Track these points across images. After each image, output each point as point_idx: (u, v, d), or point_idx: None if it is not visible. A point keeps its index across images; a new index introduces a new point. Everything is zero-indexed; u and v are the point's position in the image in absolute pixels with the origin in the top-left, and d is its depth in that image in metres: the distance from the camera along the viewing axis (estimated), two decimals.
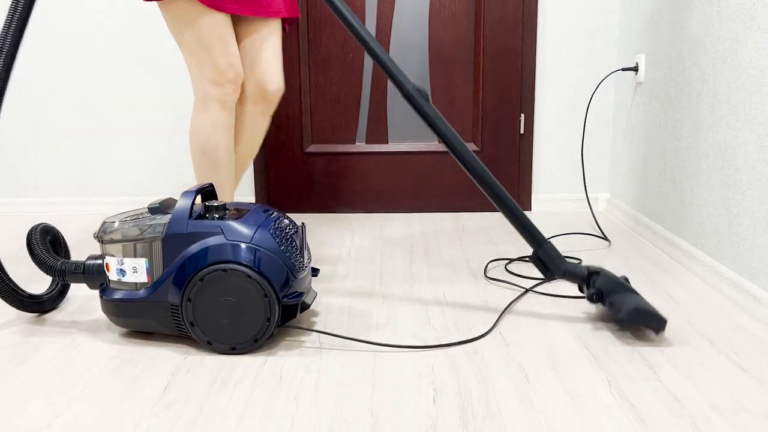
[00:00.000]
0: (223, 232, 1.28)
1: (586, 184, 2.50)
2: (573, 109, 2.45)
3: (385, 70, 1.40)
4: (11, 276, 1.63)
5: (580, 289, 1.47)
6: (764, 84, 1.43)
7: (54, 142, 2.55)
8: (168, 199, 1.40)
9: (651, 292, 1.60)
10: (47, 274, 1.41)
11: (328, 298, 1.60)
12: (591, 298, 1.40)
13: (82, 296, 1.63)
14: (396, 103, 2.51)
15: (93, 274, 1.38)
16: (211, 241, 1.28)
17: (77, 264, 1.40)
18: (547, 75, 2.44)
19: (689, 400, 1.09)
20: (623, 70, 2.23)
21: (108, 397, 1.13)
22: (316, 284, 1.70)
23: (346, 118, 2.52)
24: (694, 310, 1.49)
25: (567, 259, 1.42)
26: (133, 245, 1.30)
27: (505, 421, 1.04)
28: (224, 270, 1.25)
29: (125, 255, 1.31)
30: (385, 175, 2.53)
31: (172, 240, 1.29)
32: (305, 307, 1.34)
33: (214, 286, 1.26)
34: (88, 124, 2.53)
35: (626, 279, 1.44)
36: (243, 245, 1.27)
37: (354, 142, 2.53)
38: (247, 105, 1.71)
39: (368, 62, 2.47)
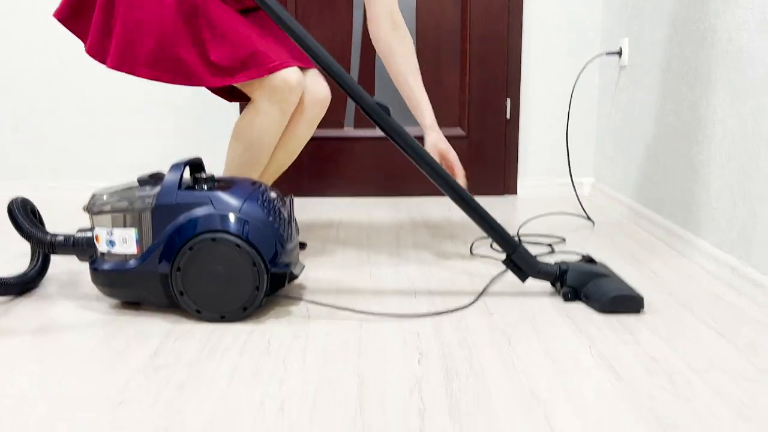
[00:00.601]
0: (211, 203, 1.30)
1: (571, 169, 2.54)
2: (558, 94, 2.48)
3: (345, 88, 1.41)
4: None
5: (553, 285, 1.48)
6: (742, 60, 1.46)
7: (42, 126, 2.56)
8: (157, 172, 1.41)
9: (635, 270, 1.63)
10: (36, 246, 1.43)
11: (316, 273, 1.62)
12: (566, 297, 1.41)
13: (67, 271, 1.64)
14: (384, 89, 2.53)
15: (82, 247, 1.39)
16: (200, 211, 1.30)
17: (67, 236, 1.41)
18: (533, 60, 2.47)
19: (666, 361, 1.13)
20: (607, 54, 2.26)
21: (96, 363, 1.15)
22: (303, 259, 1.72)
23: (334, 103, 2.52)
24: (675, 283, 1.52)
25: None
26: (122, 216, 1.32)
27: (488, 380, 1.06)
28: (213, 239, 1.27)
29: (115, 226, 1.33)
30: (373, 159, 2.55)
31: (162, 210, 1.31)
32: (293, 277, 1.37)
33: (204, 256, 1.28)
34: (79, 108, 2.54)
35: (591, 259, 1.48)
36: (231, 215, 1.29)
37: (342, 127, 2.55)
38: (297, 113, 1.69)
39: (356, 49, 2.49)
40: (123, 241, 1.33)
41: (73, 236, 1.41)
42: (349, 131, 2.54)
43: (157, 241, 1.31)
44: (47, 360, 1.16)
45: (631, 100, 2.13)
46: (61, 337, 1.26)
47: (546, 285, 1.50)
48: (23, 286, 1.49)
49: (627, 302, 1.35)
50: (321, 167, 2.56)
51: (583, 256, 1.53)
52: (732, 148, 1.51)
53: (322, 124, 2.52)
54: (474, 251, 1.80)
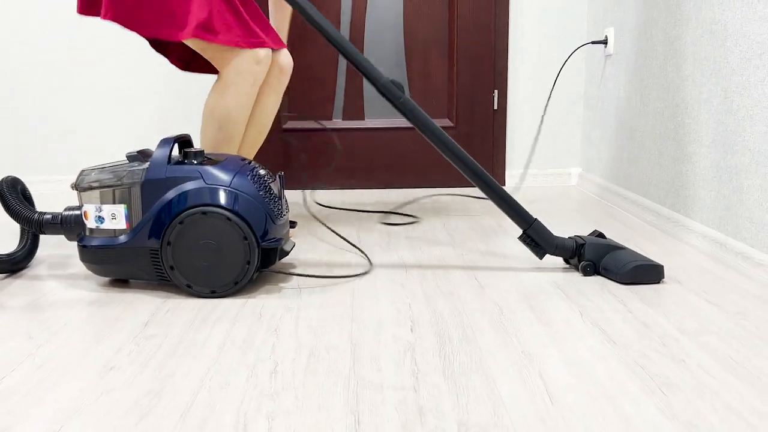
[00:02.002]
0: (201, 177, 1.30)
1: (559, 160, 2.55)
2: (545, 85, 2.50)
3: (359, 68, 1.42)
4: None
5: (568, 262, 1.48)
6: (726, 37, 1.48)
7: (33, 120, 2.53)
8: (146, 149, 1.41)
9: None
10: (23, 225, 1.41)
11: (306, 254, 1.61)
12: (585, 271, 1.40)
13: (57, 254, 1.63)
14: None
15: (71, 224, 1.38)
16: (190, 185, 1.29)
17: (54, 215, 1.40)
18: (520, 52, 2.49)
19: (658, 325, 1.13)
20: (593, 43, 2.29)
21: (88, 332, 1.14)
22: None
23: (323, 94, 2.54)
24: (663, 258, 1.53)
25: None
26: (111, 192, 1.31)
27: (481, 344, 1.06)
28: (203, 213, 1.27)
29: (103, 202, 1.32)
30: (362, 151, 2.55)
31: (151, 185, 1.30)
32: (284, 254, 1.36)
33: (194, 229, 1.27)
34: (67, 102, 2.52)
35: (601, 234, 1.48)
36: (222, 188, 1.29)
37: (331, 119, 2.55)
38: (265, 86, 1.70)
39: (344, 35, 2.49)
40: (112, 217, 1.32)
41: (61, 214, 1.40)
42: (337, 123, 2.54)
43: (147, 215, 1.30)
44: (37, 333, 1.15)
45: (617, 87, 2.15)
46: (51, 312, 1.25)
47: (537, 263, 1.51)
48: (12, 265, 1.47)
49: (648, 272, 1.35)
50: (310, 159, 2.55)
51: (594, 231, 1.51)
52: (717, 126, 1.53)
53: (317, 115, 2.53)
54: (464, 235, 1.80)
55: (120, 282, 1.41)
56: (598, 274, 1.41)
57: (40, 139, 2.55)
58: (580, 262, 1.41)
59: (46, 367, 1.01)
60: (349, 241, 1.71)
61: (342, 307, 1.24)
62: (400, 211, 2.11)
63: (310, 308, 1.24)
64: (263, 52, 1.59)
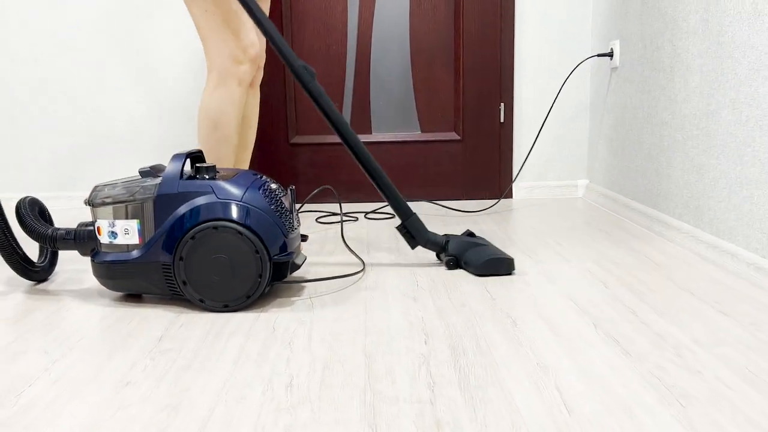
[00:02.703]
0: (213, 191, 1.30)
1: (565, 172, 2.56)
2: (551, 98, 2.51)
3: (276, 46, 1.47)
4: None
5: (438, 257, 1.63)
6: (734, 49, 1.49)
7: (34, 138, 2.55)
8: (158, 164, 1.42)
9: (632, 259, 1.64)
10: (38, 241, 1.42)
11: (316, 267, 1.62)
12: (448, 265, 1.57)
13: (71, 269, 1.63)
14: (379, 94, 2.56)
15: (84, 240, 1.39)
16: (202, 199, 1.30)
17: (68, 230, 1.41)
18: (526, 65, 2.50)
19: (672, 336, 1.13)
20: (598, 56, 2.30)
21: (103, 347, 1.14)
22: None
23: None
24: (674, 269, 1.53)
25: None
26: (124, 207, 1.32)
27: (495, 357, 1.06)
28: (215, 227, 1.27)
29: (116, 217, 1.33)
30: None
31: (163, 200, 1.30)
32: (295, 267, 1.37)
33: (206, 244, 1.28)
34: (70, 120, 2.54)
35: (471, 233, 1.62)
36: (233, 203, 1.29)
37: None
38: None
39: (351, 54, 2.52)
40: (125, 232, 1.33)
41: (75, 230, 1.40)
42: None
43: (159, 230, 1.30)
44: (52, 348, 1.15)
45: (623, 100, 2.16)
46: (66, 327, 1.25)
47: (546, 273, 1.51)
48: (33, 275, 1.50)
49: (498, 264, 1.50)
50: (318, 173, 2.56)
51: (466, 231, 1.65)
52: (726, 137, 1.53)
53: (319, 130, 2.55)
54: None
55: (133, 297, 1.42)
56: (461, 267, 1.56)
57: (47, 155, 2.57)
58: (446, 257, 1.56)
59: (62, 382, 1.01)
60: (348, 246, 1.72)
61: (355, 320, 1.25)
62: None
63: (323, 322, 1.24)
64: (252, 50, 1.61)
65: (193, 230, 1.28)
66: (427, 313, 1.27)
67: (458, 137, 2.55)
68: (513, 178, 2.54)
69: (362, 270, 1.58)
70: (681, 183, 1.76)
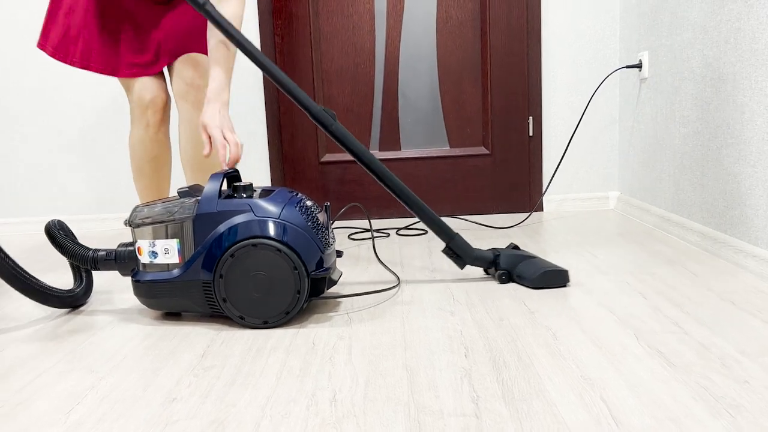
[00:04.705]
0: (251, 209, 1.32)
1: (596, 184, 2.55)
2: (580, 110, 2.51)
3: (291, 96, 1.51)
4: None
5: (486, 272, 1.64)
6: (765, 55, 1.48)
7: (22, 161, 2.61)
8: (195, 184, 1.44)
9: (670, 269, 1.62)
10: (78, 263, 1.45)
11: (352, 284, 1.63)
12: (501, 279, 1.56)
13: (108, 290, 1.66)
14: (407, 111, 2.58)
15: (125, 260, 1.41)
16: (240, 218, 1.32)
17: (108, 251, 1.43)
18: (553, 78, 2.50)
19: (716, 347, 1.12)
20: (627, 67, 2.29)
21: (147, 365, 1.16)
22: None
23: (359, 127, 2.58)
24: (713, 279, 1.51)
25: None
26: (164, 227, 1.34)
27: (538, 369, 1.06)
28: (254, 245, 1.29)
29: (156, 237, 1.35)
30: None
31: (203, 219, 1.33)
32: (332, 283, 1.38)
33: (245, 262, 1.30)
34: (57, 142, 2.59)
35: (516, 246, 1.63)
36: (271, 220, 1.31)
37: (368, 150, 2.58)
38: (178, 105, 1.81)
39: (379, 72, 2.54)
40: (165, 252, 1.35)
41: (115, 251, 1.43)
42: (374, 154, 2.57)
43: (199, 249, 1.33)
44: (98, 366, 1.17)
45: (653, 111, 2.14)
46: (110, 346, 1.28)
47: (582, 283, 1.50)
48: (73, 301, 1.51)
49: (555, 276, 1.50)
50: (348, 190, 2.58)
51: (510, 244, 1.67)
52: (762, 144, 1.52)
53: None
54: None
55: (173, 316, 1.44)
56: (513, 281, 1.55)
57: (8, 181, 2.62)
58: (497, 271, 1.56)
59: (110, 400, 1.03)
60: (381, 261, 1.73)
61: (393, 334, 1.25)
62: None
63: (362, 336, 1.25)
64: (148, 95, 1.75)
65: (232, 248, 1.30)
66: (466, 327, 1.27)
67: (487, 152, 2.56)
68: (543, 191, 2.54)
69: (397, 285, 1.59)
70: (716, 192, 1.74)
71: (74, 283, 1.54)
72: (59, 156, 2.62)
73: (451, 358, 1.12)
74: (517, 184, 2.56)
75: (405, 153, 2.59)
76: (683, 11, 1.89)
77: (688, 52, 1.87)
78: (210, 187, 1.36)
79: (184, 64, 1.75)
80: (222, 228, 1.32)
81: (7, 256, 1.37)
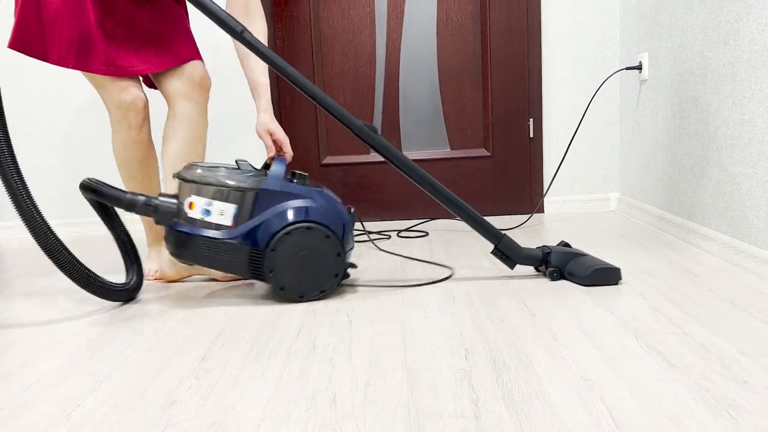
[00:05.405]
0: (312, 197, 1.48)
1: (597, 185, 2.55)
2: (580, 112, 2.51)
3: (337, 117, 1.52)
4: None
5: (537, 269, 1.65)
6: (765, 56, 1.48)
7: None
8: (243, 160, 1.53)
9: (670, 270, 1.62)
10: (115, 205, 1.47)
11: (353, 286, 1.63)
12: (552, 276, 1.57)
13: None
14: (408, 113, 2.58)
15: (166, 211, 1.47)
16: (301, 202, 1.47)
17: (148, 197, 1.48)
18: (554, 80, 2.50)
19: (717, 347, 1.12)
20: (627, 69, 2.30)
21: (148, 367, 1.16)
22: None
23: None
24: (714, 280, 1.51)
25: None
26: (226, 191, 1.45)
27: (538, 371, 1.06)
28: (309, 228, 1.45)
29: (215, 198, 1.45)
30: (399, 183, 2.58)
31: (266, 194, 1.46)
32: (347, 275, 1.54)
33: (298, 241, 1.45)
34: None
35: (567, 244, 1.63)
36: (329, 211, 1.49)
37: (368, 153, 2.59)
38: (178, 103, 1.72)
39: (380, 75, 2.55)
40: (220, 213, 1.45)
41: (157, 198, 1.48)
42: (375, 156, 2.58)
43: (256, 220, 1.45)
44: (99, 368, 1.18)
45: (653, 112, 2.15)
46: (109, 349, 1.28)
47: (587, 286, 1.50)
48: (128, 294, 1.55)
49: (607, 274, 1.50)
50: (349, 192, 2.59)
51: (561, 242, 1.67)
52: (762, 145, 1.52)
53: (349, 151, 2.58)
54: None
55: (173, 319, 1.44)
56: (564, 278, 1.56)
57: None
58: (547, 269, 1.56)
59: (110, 402, 1.03)
60: (427, 261, 1.73)
61: (393, 336, 1.25)
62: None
63: (362, 338, 1.25)
64: (129, 97, 1.68)
65: (290, 227, 1.44)
66: (466, 328, 1.27)
67: (488, 153, 2.56)
68: (544, 193, 2.54)
69: (451, 275, 1.68)
70: (716, 193, 1.74)
71: (126, 276, 1.58)
72: (56, 157, 2.63)
73: (451, 359, 1.13)
74: (518, 185, 2.56)
75: (406, 155, 2.58)
76: (682, 13, 1.90)
77: (688, 53, 1.87)
78: (277, 168, 1.49)
79: (194, 66, 1.72)
80: (284, 206, 1.46)
81: (70, 253, 1.42)
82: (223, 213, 1.45)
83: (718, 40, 1.70)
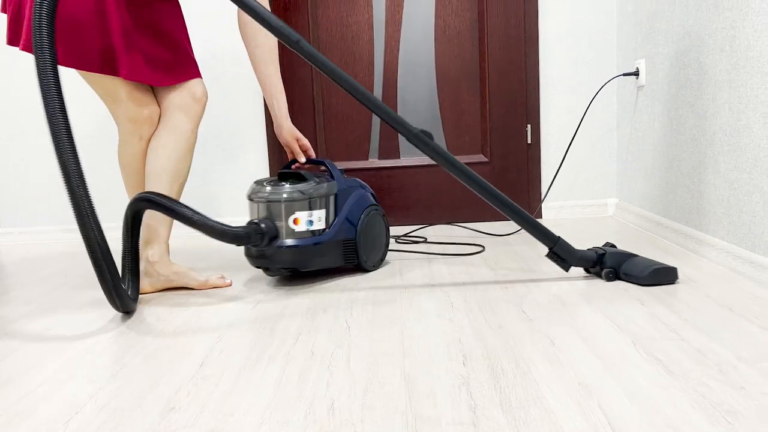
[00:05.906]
0: (361, 186, 1.83)
1: (595, 191, 2.55)
2: (578, 118, 2.52)
3: (392, 124, 1.54)
4: None
5: (588, 271, 1.66)
6: (764, 64, 1.49)
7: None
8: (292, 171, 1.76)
9: None
10: (211, 236, 1.49)
11: (351, 292, 1.63)
12: (608, 277, 1.58)
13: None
14: (406, 119, 2.58)
15: (270, 233, 1.63)
16: (360, 192, 1.81)
17: (256, 226, 1.61)
18: (551, 86, 2.51)
19: (714, 353, 1.12)
20: (624, 75, 2.30)
21: (146, 374, 1.16)
22: (337, 279, 1.73)
23: (358, 135, 2.59)
24: (711, 286, 1.51)
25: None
26: (318, 200, 1.68)
27: (536, 377, 1.06)
28: (376, 209, 1.83)
29: (312, 208, 1.67)
30: (397, 189, 2.58)
31: (340, 194, 1.75)
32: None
33: (370, 223, 1.80)
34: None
35: (612, 245, 1.67)
36: (372, 194, 1.88)
37: (367, 158, 2.59)
38: (174, 115, 1.73)
39: (378, 81, 2.56)
40: (318, 220, 1.69)
41: (264, 224, 1.62)
42: (373, 162, 2.59)
43: (340, 216, 1.73)
44: (97, 374, 1.18)
45: (650, 118, 2.15)
46: (108, 356, 1.28)
47: (580, 290, 1.50)
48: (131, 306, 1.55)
49: (665, 273, 1.53)
50: None
51: (607, 243, 1.71)
52: (758, 151, 1.52)
53: (348, 156, 2.58)
54: (505, 265, 1.80)
55: (169, 327, 1.44)
56: (620, 279, 1.59)
57: None
58: (602, 270, 1.59)
59: (109, 409, 1.03)
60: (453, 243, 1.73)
61: (391, 342, 1.25)
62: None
63: (361, 344, 1.25)
64: (146, 112, 1.70)
65: (366, 210, 1.79)
66: (464, 335, 1.27)
67: (486, 159, 2.56)
68: (542, 199, 2.54)
69: (482, 250, 2.02)
70: (714, 199, 1.75)
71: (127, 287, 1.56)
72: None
73: (449, 365, 1.13)
74: (516, 191, 2.57)
75: (404, 161, 2.59)
76: (679, 20, 1.90)
77: (685, 59, 1.88)
78: (336, 171, 1.76)
79: (196, 83, 1.73)
80: (355, 198, 1.78)
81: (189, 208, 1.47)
82: (320, 219, 1.69)
83: (714, 47, 1.71)
